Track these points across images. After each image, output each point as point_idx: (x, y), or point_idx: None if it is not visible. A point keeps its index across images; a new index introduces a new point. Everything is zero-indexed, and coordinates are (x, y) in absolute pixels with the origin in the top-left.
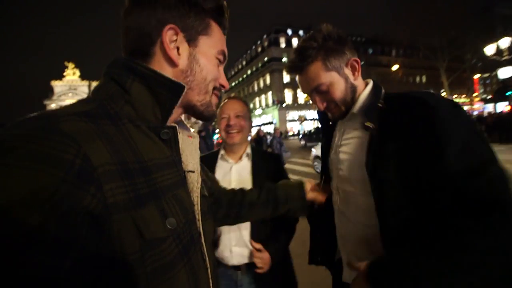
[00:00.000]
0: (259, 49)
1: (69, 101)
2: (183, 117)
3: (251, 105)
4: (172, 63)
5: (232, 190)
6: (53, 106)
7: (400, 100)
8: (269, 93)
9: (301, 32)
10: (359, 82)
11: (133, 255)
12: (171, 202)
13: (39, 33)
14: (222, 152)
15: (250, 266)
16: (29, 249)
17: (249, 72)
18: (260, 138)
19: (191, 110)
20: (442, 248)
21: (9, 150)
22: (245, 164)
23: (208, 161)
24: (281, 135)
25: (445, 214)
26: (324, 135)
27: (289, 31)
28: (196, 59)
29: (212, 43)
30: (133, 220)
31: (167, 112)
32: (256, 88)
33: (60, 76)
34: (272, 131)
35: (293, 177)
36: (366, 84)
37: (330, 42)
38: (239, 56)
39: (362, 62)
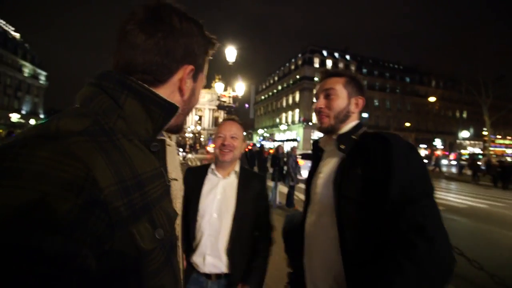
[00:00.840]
0: (293, 67)
1: None
2: None
3: (277, 120)
4: (181, 94)
5: None
6: None
7: (370, 136)
8: (296, 111)
9: (336, 54)
10: (354, 116)
11: (130, 266)
12: (159, 213)
13: (100, 29)
14: (212, 166)
15: (220, 277)
16: (35, 264)
17: (279, 87)
18: (278, 154)
19: (170, 125)
20: (379, 268)
21: (22, 172)
22: (232, 181)
23: (199, 173)
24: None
25: (386, 234)
26: (312, 163)
27: (324, 52)
28: (193, 93)
29: (203, 76)
30: (131, 235)
31: (159, 128)
32: (284, 104)
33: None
34: (290, 148)
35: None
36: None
37: (357, 77)
38: (271, 71)
39: (397, 90)
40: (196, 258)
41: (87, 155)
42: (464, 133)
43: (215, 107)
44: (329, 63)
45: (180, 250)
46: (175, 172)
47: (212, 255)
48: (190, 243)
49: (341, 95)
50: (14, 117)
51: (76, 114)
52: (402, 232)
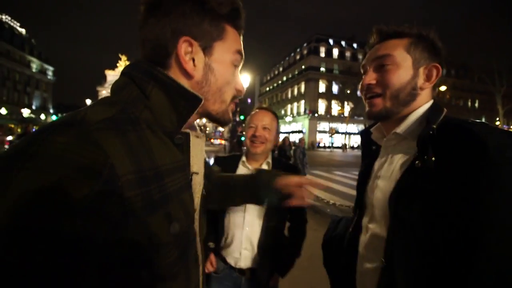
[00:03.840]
0: (298, 57)
1: None
2: None
3: (282, 111)
4: (188, 75)
5: (225, 175)
6: (104, 92)
7: (457, 130)
8: (302, 102)
9: (342, 43)
10: (424, 94)
11: (142, 257)
12: (176, 206)
13: (104, 26)
14: (243, 158)
15: (254, 272)
16: (53, 246)
17: (284, 78)
18: (284, 146)
19: (206, 116)
20: None
21: (45, 156)
22: None
23: (230, 164)
24: (309, 147)
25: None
26: (363, 160)
27: (331, 41)
28: (211, 69)
29: (227, 48)
30: (145, 226)
31: (183, 120)
32: (289, 95)
33: (113, 66)
34: (298, 140)
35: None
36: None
37: (429, 35)
38: (276, 62)
39: None
40: (229, 253)
41: (107, 142)
42: None
43: None
44: (335, 52)
45: (199, 245)
46: (197, 165)
47: (247, 249)
48: (220, 238)
49: (403, 64)
50: (25, 112)
51: (105, 103)
52: None
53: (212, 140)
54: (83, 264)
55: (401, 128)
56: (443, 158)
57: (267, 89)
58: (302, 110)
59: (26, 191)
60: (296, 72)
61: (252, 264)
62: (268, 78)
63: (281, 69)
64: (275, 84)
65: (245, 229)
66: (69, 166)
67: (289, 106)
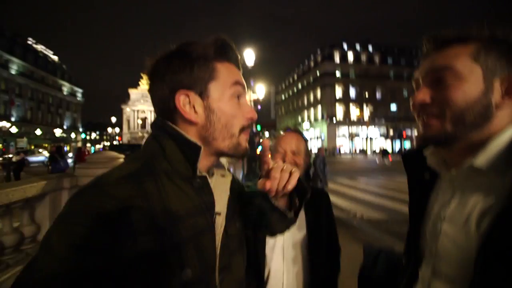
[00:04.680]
0: (312, 64)
1: (141, 106)
2: None
3: (299, 118)
4: (192, 123)
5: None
6: (127, 110)
7: None
8: (319, 107)
9: (357, 46)
10: (503, 113)
11: None
12: (191, 251)
13: (127, 48)
14: None
15: None
16: (79, 276)
17: (299, 86)
18: None
19: (221, 155)
20: None
21: (74, 212)
22: None
23: None
24: (329, 152)
25: None
26: (412, 191)
27: (345, 46)
28: (211, 110)
29: (222, 84)
30: (156, 270)
31: (193, 165)
32: (306, 102)
33: (136, 85)
34: (317, 147)
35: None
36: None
37: (500, 41)
38: (290, 70)
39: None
40: None
41: (124, 194)
42: None
43: None
44: (350, 56)
45: (217, 284)
46: (219, 205)
47: None
48: (259, 279)
49: (469, 77)
50: (58, 132)
51: (132, 159)
52: None
53: None
54: None
55: (481, 161)
56: None
57: (283, 97)
58: (319, 116)
59: (61, 236)
60: (311, 79)
61: None
62: (283, 86)
63: (295, 77)
64: (290, 92)
65: (287, 270)
66: (91, 217)
67: (306, 112)
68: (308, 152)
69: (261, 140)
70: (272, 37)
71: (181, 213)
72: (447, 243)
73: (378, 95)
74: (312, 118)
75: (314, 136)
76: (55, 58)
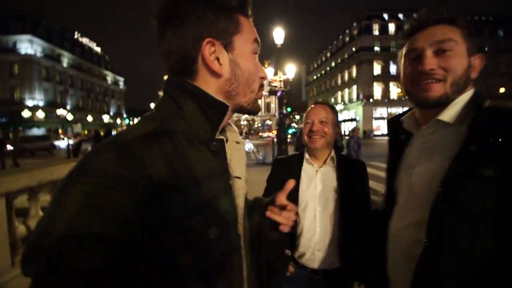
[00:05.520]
0: (347, 39)
1: None
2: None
3: (332, 99)
4: (217, 75)
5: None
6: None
7: (507, 115)
8: (354, 87)
9: (400, 16)
10: (469, 83)
11: (181, 262)
12: (215, 212)
13: None
14: (306, 156)
15: (327, 272)
16: (100, 245)
17: (333, 64)
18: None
19: (239, 110)
20: None
21: (93, 171)
22: (330, 169)
23: (291, 163)
24: (362, 135)
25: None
26: (392, 151)
27: (385, 16)
28: (236, 64)
29: (246, 39)
30: (183, 231)
31: (215, 127)
32: (339, 81)
33: None
34: (351, 128)
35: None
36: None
37: (472, 29)
38: (323, 47)
39: (486, 49)
40: (303, 254)
41: (145, 154)
42: None
43: (267, 93)
44: (391, 27)
45: (244, 250)
46: (239, 169)
47: (322, 250)
48: (293, 241)
49: (461, 52)
50: (105, 118)
51: (146, 119)
52: None
53: (260, 134)
54: (128, 267)
55: (448, 115)
56: (503, 142)
57: (314, 77)
58: (354, 96)
59: (78, 201)
60: (346, 56)
61: (326, 266)
62: (315, 65)
63: (328, 54)
64: (322, 72)
65: (317, 230)
66: (111, 178)
67: (339, 93)
68: (338, 123)
69: (292, 124)
70: (303, 12)
71: (203, 174)
72: (419, 181)
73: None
74: (346, 99)
75: (349, 117)
76: (98, 49)
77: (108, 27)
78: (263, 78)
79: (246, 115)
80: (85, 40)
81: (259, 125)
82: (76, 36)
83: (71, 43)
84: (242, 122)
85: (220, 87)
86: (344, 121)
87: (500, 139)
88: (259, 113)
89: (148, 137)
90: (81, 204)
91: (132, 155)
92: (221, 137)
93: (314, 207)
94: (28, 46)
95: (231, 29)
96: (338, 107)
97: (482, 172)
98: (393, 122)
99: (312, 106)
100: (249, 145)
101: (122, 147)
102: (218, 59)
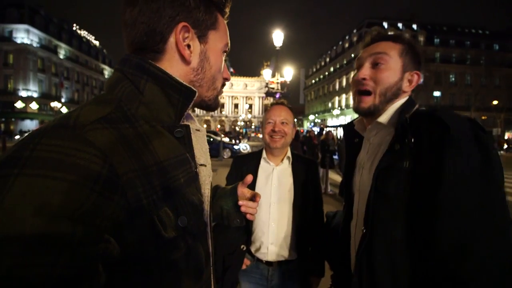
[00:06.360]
0: (346, 45)
1: None
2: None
3: (329, 104)
4: (185, 62)
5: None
6: None
7: (425, 116)
8: (351, 93)
9: (399, 25)
10: (405, 96)
11: (151, 254)
12: (183, 200)
13: None
14: (264, 155)
15: (281, 263)
16: (56, 250)
17: (331, 69)
18: (328, 140)
19: (199, 104)
20: None
21: (41, 160)
22: (286, 168)
23: (250, 161)
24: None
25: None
26: (347, 153)
27: (385, 24)
28: (206, 57)
29: (220, 37)
30: (151, 222)
31: (180, 113)
32: (337, 86)
33: None
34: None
35: None
36: None
37: (416, 46)
38: (322, 53)
39: (482, 62)
40: (257, 248)
41: (104, 141)
42: None
43: (264, 95)
44: None
45: (210, 239)
46: (203, 158)
47: (275, 244)
48: (248, 233)
49: (394, 66)
50: None
51: (99, 102)
52: (436, 283)
53: (258, 135)
54: (92, 265)
55: (384, 118)
56: (416, 141)
57: (313, 81)
58: (351, 102)
59: (25, 196)
60: (345, 62)
61: (279, 258)
62: (314, 70)
63: (328, 59)
64: (321, 76)
65: (271, 224)
66: (67, 169)
67: (336, 98)
68: (295, 124)
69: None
70: (304, 17)
71: (170, 162)
72: (365, 178)
73: (420, 80)
74: (343, 104)
75: (345, 122)
76: (97, 43)
77: (107, 21)
78: (227, 79)
79: (243, 116)
80: (83, 33)
81: (257, 126)
82: (74, 28)
83: (69, 35)
84: (238, 123)
85: (184, 74)
86: (341, 126)
87: (412, 139)
88: (257, 115)
89: (105, 122)
90: (24, 201)
91: (89, 142)
92: (186, 123)
93: (268, 203)
94: (25, 36)
95: (209, 23)
96: (335, 112)
97: (400, 165)
98: (347, 126)
99: (272, 106)
100: (245, 145)
101: (75, 132)
102: (189, 46)
